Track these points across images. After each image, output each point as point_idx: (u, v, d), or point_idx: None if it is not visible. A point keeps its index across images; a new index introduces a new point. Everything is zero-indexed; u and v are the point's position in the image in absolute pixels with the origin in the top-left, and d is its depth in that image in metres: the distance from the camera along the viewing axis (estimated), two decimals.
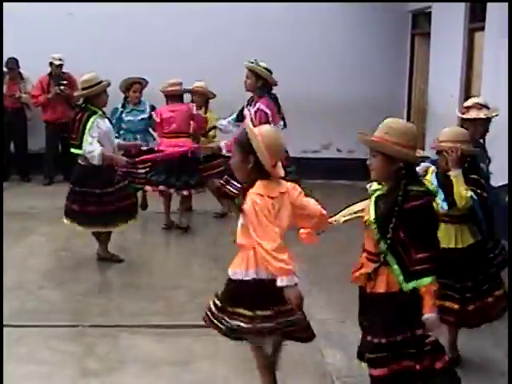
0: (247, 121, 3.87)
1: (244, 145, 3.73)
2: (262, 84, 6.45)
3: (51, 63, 10.13)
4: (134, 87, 8.21)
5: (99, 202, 6.48)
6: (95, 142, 6.32)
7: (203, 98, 8.43)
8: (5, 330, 5.19)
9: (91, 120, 6.33)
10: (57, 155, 10.60)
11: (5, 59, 10.16)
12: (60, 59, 10.09)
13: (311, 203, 3.92)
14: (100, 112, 6.49)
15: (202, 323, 5.03)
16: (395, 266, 3.43)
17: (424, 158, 4.50)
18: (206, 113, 8.40)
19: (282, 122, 7.08)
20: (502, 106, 6.22)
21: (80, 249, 7.12)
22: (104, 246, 6.82)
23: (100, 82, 6.45)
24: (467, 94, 8.90)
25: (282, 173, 3.81)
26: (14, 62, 10.18)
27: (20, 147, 10.75)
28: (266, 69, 6.47)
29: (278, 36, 10.51)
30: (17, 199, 9.42)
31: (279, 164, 3.81)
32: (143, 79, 8.27)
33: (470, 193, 4.32)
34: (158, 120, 7.85)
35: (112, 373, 4.58)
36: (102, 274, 6.59)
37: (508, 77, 8.00)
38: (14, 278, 6.37)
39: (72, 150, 6.50)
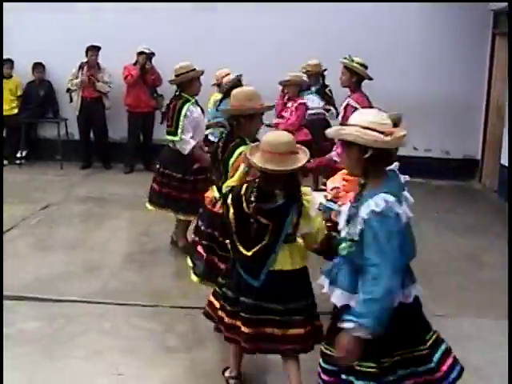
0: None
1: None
2: (356, 80, 6.42)
3: (141, 52, 10.43)
4: None
5: (178, 187, 6.63)
6: (189, 132, 6.52)
7: (297, 87, 8.34)
8: (88, 306, 5.56)
9: (185, 107, 6.51)
10: (138, 144, 10.96)
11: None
12: (149, 49, 10.41)
13: None
14: (193, 100, 6.65)
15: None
16: None
17: None
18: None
19: None
20: None
21: (159, 234, 7.38)
22: (181, 233, 6.98)
23: (193, 70, 6.65)
24: None
25: None
26: (95, 49, 10.55)
27: (100, 136, 11.14)
28: (360, 64, 6.42)
29: (359, 36, 10.55)
30: (99, 185, 9.85)
31: None
32: None
33: None
34: None
35: (191, 350, 4.82)
36: (180, 259, 6.81)
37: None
38: (97, 259, 6.73)
39: (167, 137, 6.67)
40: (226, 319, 3.99)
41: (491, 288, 6.25)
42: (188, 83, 6.62)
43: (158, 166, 6.90)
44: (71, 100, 10.88)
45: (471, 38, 10.76)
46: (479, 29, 10.78)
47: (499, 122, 10.39)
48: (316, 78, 8.74)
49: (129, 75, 10.52)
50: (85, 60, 10.61)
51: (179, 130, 6.49)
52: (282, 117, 8.35)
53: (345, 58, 6.45)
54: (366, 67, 6.45)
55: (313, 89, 8.78)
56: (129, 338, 5.00)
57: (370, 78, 6.49)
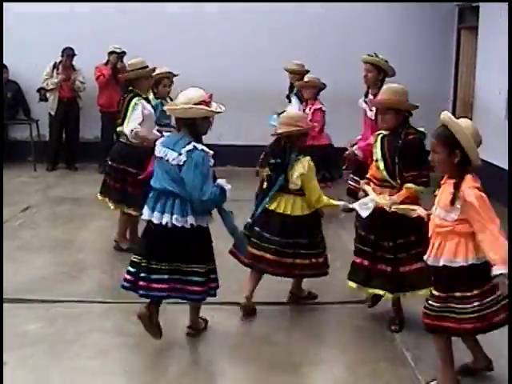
0: (443, 114, 4.02)
1: (450, 140, 3.94)
2: (383, 77, 6.15)
3: (112, 52, 10.44)
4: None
5: (133, 182, 6.64)
6: (135, 120, 6.49)
7: (314, 90, 8.30)
8: (88, 305, 5.59)
9: (134, 100, 6.55)
10: (112, 144, 10.91)
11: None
12: (120, 48, 10.42)
13: None
14: (143, 96, 6.69)
15: (274, 301, 5.44)
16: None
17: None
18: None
19: None
20: None
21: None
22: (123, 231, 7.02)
23: (145, 67, 6.70)
24: None
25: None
26: (70, 50, 10.51)
27: (72, 136, 11.11)
28: (385, 60, 6.20)
29: (323, 32, 10.75)
30: (75, 186, 9.91)
31: None
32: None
33: None
34: None
35: (195, 344, 4.90)
36: None
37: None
38: (87, 259, 6.78)
39: (117, 129, 6.72)
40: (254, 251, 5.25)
41: None
42: (137, 81, 6.67)
43: (110, 163, 6.88)
44: (41, 100, 10.78)
45: (437, 32, 11.07)
46: (445, 23, 11.10)
47: (466, 114, 10.66)
48: (301, 78, 8.69)
49: (101, 75, 10.50)
50: (58, 60, 10.54)
51: (126, 121, 6.53)
52: None
53: (369, 55, 6.24)
54: (387, 62, 6.27)
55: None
56: (132, 335, 5.04)
57: (395, 74, 6.28)
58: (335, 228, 7.67)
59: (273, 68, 10.40)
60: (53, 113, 10.78)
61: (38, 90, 10.70)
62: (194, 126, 4.59)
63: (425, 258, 4.16)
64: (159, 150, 4.64)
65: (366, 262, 5.08)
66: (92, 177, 10.43)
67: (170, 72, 7.27)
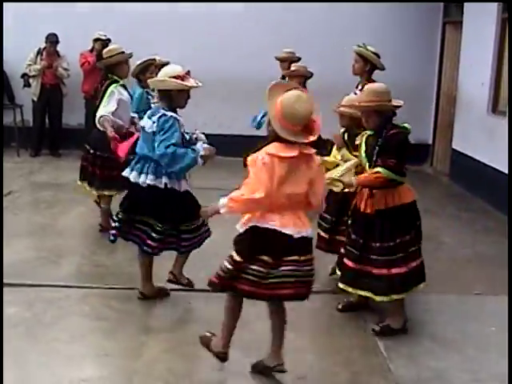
0: None
1: None
2: (370, 68, 6.30)
3: (97, 39, 10.42)
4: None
5: (106, 165, 6.81)
6: (106, 108, 6.54)
7: (301, 78, 8.06)
8: (66, 290, 5.64)
9: (111, 87, 6.62)
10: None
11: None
12: (105, 35, 10.38)
13: (320, 189, 4.15)
14: (121, 82, 6.76)
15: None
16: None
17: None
18: None
19: None
20: None
21: None
22: (105, 217, 7.12)
23: (122, 53, 6.76)
24: (498, 82, 9.17)
25: (306, 139, 3.94)
26: (54, 37, 10.48)
27: (55, 123, 11.10)
28: (374, 53, 6.30)
29: (308, 21, 10.78)
30: (58, 172, 9.90)
31: (307, 129, 3.96)
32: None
33: None
34: None
35: (174, 330, 4.95)
36: None
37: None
38: (67, 244, 6.82)
39: (97, 114, 6.69)
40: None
41: (455, 265, 6.60)
42: (114, 66, 6.72)
43: (88, 148, 7.00)
44: (25, 85, 10.76)
45: (422, 26, 11.14)
46: (430, 18, 11.14)
47: (450, 107, 10.78)
48: (289, 67, 8.58)
49: (86, 62, 10.49)
50: (43, 46, 10.51)
51: (101, 106, 6.58)
52: None
53: (359, 46, 6.35)
54: (378, 56, 6.37)
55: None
56: (110, 319, 5.10)
57: (383, 68, 6.39)
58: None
59: (257, 57, 10.49)
60: (35, 99, 10.78)
61: (22, 76, 10.67)
62: (169, 98, 5.03)
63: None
64: (142, 121, 5.21)
65: (354, 265, 5.02)
66: (75, 163, 10.16)
67: (155, 59, 7.30)
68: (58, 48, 10.61)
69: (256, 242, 4.01)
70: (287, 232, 3.97)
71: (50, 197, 8.54)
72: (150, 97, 7.28)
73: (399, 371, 4.51)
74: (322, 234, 5.92)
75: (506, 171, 8.28)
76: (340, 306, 5.44)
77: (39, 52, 10.55)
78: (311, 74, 8.23)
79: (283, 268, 4.03)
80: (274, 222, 3.97)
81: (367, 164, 4.97)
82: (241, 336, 4.72)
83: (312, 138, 3.95)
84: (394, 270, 4.88)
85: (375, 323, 5.12)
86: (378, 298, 4.98)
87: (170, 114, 4.97)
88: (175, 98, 5.04)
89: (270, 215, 3.98)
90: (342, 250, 5.20)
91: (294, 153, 3.90)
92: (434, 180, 10.67)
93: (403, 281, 4.90)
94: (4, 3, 10.38)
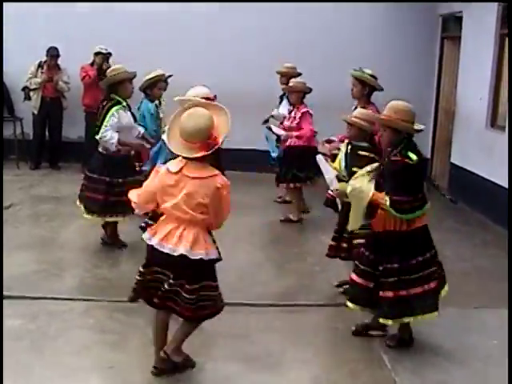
0: None
1: None
2: (368, 91, 6.43)
3: (98, 53, 10.42)
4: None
5: (108, 190, 6.73)
6: (112, 129, 6.54)
7: (299, 94, 8.26)
8: (70, 302, 5.65)
9: (113, 110, 6.58)
10: (96, 144, 10.90)
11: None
12: (106, 49, 10.40)
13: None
14: (124, 103, 6.72)
15: (253, 302, 5.53)
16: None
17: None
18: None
19: None
20: None
21: (126, 232, 7.36)
22: (110, 233, 7.12)
23: (124, 72, 6.71)
24: (496, 97, 9.24)
25: (189, 154, 4.10)
26: (55, 50, 10.48)
27: (55, 136, 11.10)
28: (371, 75, 6.43)
29: (306, 38, 10.86)
30: (58, 185, 9.92)
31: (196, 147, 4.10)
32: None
33: None
34: None
35: None
36: None
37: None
38: (68, 257, 6.84)
39: (96, 137, 6.74)
40: None
41: (454, 279, 6.60)
42: (118, 84, 6.67)
43: (89, 173, 6.93)
44: (26, 98, 10.78)
45: (421, 42, 11.20)
46: (428, 33, 11.23)
47: (448, 122, 10.84)
48: (288, 81, 8.66)
49: (86, 75, 10.51)
50: (44, 59, 10.54)
51: (102, 129, 6.57)
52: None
53: (355, 70, 6.46)
54: (376, 78, 6.46)
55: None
56: (114, 332, 5.11)
57: (381, 89, 6.48)
58: (315, 232, 7.80)
59: (257, 72, 10.53)
60: (36, 112, 10.78)
61: (23, 89, 10.70)
62: None
63: None
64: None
65: (370, 285, 4.93)
66: (75, 176, 10.36)
67: (163, 74, 7.46)
68: (59, 61, 10.63)
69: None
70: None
71: (50, 210, 8.55)
72: (159, 110, 7.43)
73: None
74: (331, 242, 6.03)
75: (505, 185, 8.32)
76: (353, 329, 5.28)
77: (40, 65, 10.56)
78: (310, 90, 8.30)
79: None
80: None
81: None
82: (242, 349, 4.78)
83: (197, 155, 4.09)
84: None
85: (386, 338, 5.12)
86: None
87: None
88: None
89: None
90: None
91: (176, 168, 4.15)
92: (433, 194, 10.70)
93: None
94: (4, 14, 10.46)
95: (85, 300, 5.69)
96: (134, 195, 4.46)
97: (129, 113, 6.80)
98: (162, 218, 4.32)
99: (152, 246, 4.26)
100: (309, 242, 7.73)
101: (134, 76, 6.85)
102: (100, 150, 6.84)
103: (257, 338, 5.11)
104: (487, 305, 5.96)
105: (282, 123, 8.55)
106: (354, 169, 5.24)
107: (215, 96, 5.53)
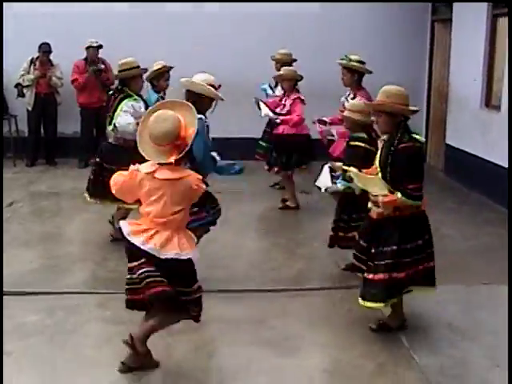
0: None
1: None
2: (357, 77, 6.62)
3: (89, 47, 10.42)
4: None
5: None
6: (128, 115, 6.53)
7: (290, 82, 8.27)
8: (84, 296, 5.67)
9: (124, 102, 6.59)
10: (91, 139, 10.93)
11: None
12: (97, 42, 10.39)
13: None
14: (135, 96, 6.72)
15: (268, 288, 5.60)
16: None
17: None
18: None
19: None
20: None
21: None
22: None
23: (138, 67, 6.75)
24: (490, 77, 9.32)
25: (161, 159, 4.11)
26: (47, 46, 10.46)
27: (51, 132, 11.08)
28: (358, 61, 6.56)
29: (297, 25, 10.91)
30: (56, 181, 9.93)
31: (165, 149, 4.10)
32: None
33: None
34: None
35: (197, 331, 4.98)
36: None
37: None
38: (77, 252, 6.84)
39: (108, 128, 6.76)
40: None
41: (461, 257, 6.73)
42: (130, 80, 6.69)
43: (99, 163, 6.90)
44: (19, 95, 10.73)
45: (412, 25, 11.28)
46: (419, 16, 11.28)
47: (441, 103, 10.92)
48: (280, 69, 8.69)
49: (75, 81, 10.49)
50: (36, 55, 10.50)
51: (114, 120, 6.58)
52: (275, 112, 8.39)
53: (342, 59, 6.59)
54: (363, 63, 6.58)
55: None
56: (132, 323, 5.08)
57: (371, 72, 6.63)
58: (318, 216, 7.87)
59: (250, 61, 10.56)
60: (30, 108, 10.74)
61: (16, 86, 10.65)
62: (199, 102, 5.24)
63: None
64: None
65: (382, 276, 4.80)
66: (72, 172, 10.53)
67: (171, 67, 7.47)
68: (51, 57, 10.59)
69: None
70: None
71: (52, 205, 8.57)
72: None
73: (423, 361, 4.61)
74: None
75: (502, 164, 8.41)
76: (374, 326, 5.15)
77: (32, 61, 10.52)
78: (301, 77, 8.36)
79: None
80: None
81: (380, 173, 4.73)
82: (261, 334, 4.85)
83: (169, 160, 4.08)
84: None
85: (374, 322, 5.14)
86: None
87: (200, 116, 4.93)
88: (204, 104, 5.33)
89: None
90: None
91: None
92: (429, 175, 10.75)
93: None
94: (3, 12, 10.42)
95: (98, 293, 5.72)
96: (113, 185, 4.37)
97: (141, 102, 6.77)
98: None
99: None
100: (312, 226, 7.80)
101: (145, 71, 6.95)
102: (111, 141, 6.82)
103: (274, 323, 5.17)
104: (495, 281, 6.05)
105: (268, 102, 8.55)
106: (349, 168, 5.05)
107: (219, 85, 5.58)
